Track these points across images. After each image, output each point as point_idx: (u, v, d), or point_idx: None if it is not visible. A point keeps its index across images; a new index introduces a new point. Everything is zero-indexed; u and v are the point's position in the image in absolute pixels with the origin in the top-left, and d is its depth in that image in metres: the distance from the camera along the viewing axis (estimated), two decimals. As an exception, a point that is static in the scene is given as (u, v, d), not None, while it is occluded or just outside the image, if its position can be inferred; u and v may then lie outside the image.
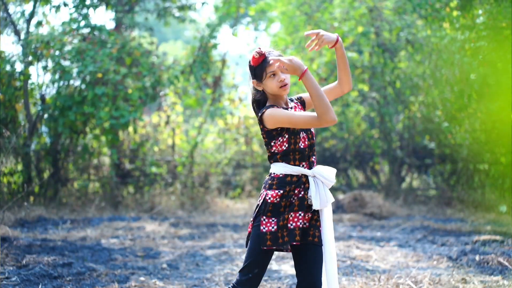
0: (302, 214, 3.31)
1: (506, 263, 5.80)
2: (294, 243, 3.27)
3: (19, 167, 9.93)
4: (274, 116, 3.30)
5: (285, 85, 3.34)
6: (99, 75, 9.89)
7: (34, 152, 10.12)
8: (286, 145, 3.35)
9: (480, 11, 10.64)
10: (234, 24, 12.18)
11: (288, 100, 3.51)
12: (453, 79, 10.69)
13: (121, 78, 9.98)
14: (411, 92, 11.73)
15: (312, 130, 3.42)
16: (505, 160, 10.44)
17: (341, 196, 11.38)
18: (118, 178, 10.55)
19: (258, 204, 3.40)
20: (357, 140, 12.49)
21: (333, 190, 12.68)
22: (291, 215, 3.30)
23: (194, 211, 10.40)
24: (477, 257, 6.20)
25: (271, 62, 3.33)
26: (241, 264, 6.14)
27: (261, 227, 3.31)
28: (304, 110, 3.52)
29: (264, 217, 3.32)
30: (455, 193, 11.00)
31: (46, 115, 10.17)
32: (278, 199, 3.31)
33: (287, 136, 3.33)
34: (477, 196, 10.63)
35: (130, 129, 10.85)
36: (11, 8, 10.70)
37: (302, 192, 3.33)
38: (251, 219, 3.40)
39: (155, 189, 10.87)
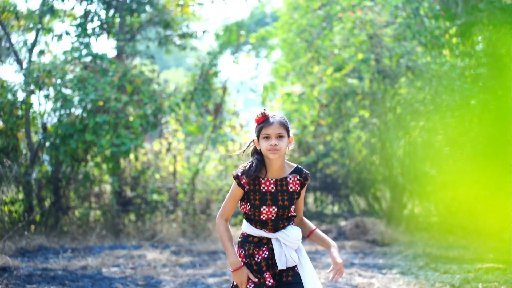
0: (272, 272, 3.55)
1: (510, 292, 5.76)
2: None
3: (20, 195, 9.92)
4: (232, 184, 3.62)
5: (274, 149, 3.47)
6: (100, 103, 9.93)
7: (35, 181, 10.11)
8: (248, 212, 3.58)
9: (479, 38, 10.72)
10: (235, 52, 12.26)
11: (294, 169, 3.65)
12: (453, 105, 10.71)
13: (122, 106, 10.01)
14: (412, 118, 11.75)
15: (290, 208, 3.57)
16: (507, 186, 10.41)
17: (343, 223, 11.34)
18: (119, 206, 10.53)
19: None
20: (358, 166, 12.48)
21: (335, 216, 12.66)
22: (266, 274, 3.53)
23: (196, 238, 10.37)
24: (480, 286, 6.16)
25: (271, 124, 3.50)
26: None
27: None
28: (300, 191, 3.63)
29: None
30: (457, 220, 10.95)
31: (47, 144, 10.19)
32: (245, 260, 3.57)
33: (249, 207, 3.58)
34: (480, 223, 10.58)
35: (131, 156, 10.86)
36: (14, 38, 10.80)
37: (267, 253, 3.56)
38: None
39: (156, 216, 10.84)
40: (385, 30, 12.02)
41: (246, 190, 3.55)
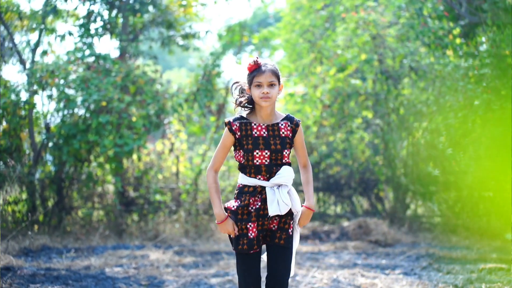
0: (261, 223, 3.62)
1: (513, 292, 5.75)
2: (252, 251, 3.59)
3: (24, 195, 9.93)
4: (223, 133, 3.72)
5: (266, 97, 3.59)
6: (103, 103, 9.94)
7: (39, 181, 10.13)
8: (242, 159, 3.67)
9: (483, 39, 10.71)
10: (237, 52, 12.26)
11: (286, 117, 3.75)
12: (457, 106, 10.70)
13: (125, 106, 10.02)
14: (415, 119, 11.74)
15: (283, 152, 3.65)
16: (510, 187, 10.40)
17: (345, 224, 11.34)
18: (122, 206, 10.54)
19: None
20: (361, 167, 12.48)
21: (337, 217, 12.65)
22: (249, 225, 3.59)
23: (198, 238, 10.37)
24: (483, 286, 6.16)
25: (263, 73, 3.60)
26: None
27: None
28: (293, 137, 3.72)
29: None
30: (460, 220, 10.94)
31: (50, 144, 10.20)
32: (234, 207, 3.66)
33: (242, 153, 3.65)
34: (483, 223, 10.58)
35: (134, 157, 10.87)
36: (17, 38, 10.83)
37: (259, 203, 3.63)
38: None
39: (159, 217, 10.84)
40: (388, 30, 12.02)
41: (237, 136, 3.64)
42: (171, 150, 11.56)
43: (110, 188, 11.06)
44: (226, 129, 3.67)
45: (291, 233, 3.67)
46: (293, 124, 3.71)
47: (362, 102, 12.23)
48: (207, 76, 11.23)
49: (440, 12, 11.97)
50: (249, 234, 3.57)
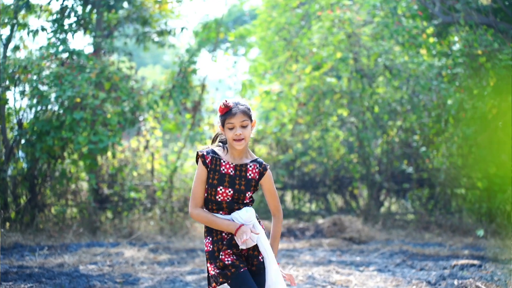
0: (233, 251, 3.61)
1: (485, 288, 5.83)
2: (241, 270, 3.55)
3: (-5, 192, 9.80)
4: (197, 166, 3.70)
5: (239, 139, 3.60)
6: (78, 100, 9.84)
7: (11, 178, 9.99)
8: (206, 194, 3.68)
9: (456, 38, 10.84)
10: (213, 49, 12.24)
11: (255, 159, 3.75)
12: (430, 105, 10.84)
13: (99, 103, 9.94)
14: (389, 117, 11.85)
15: (246, 194, 3.66)
16: (481, 184, 10.56)
17: (320, 221, 11.39)
18: (96, 204, 10.45)
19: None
20: (336, 164, 12.55)
21: (312, 214, 12.71)
22: (222, 256, 3.59)
23: (174, 236, 10.33)
24: (455, 282, 6.23)
25: (235, 115, 3.60)
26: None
27: (211, 273, 3.67)
28: (259, 180, 3.72)
29: (208, 265, 3.69)
30: (433, 217, 11.06)
31: (23, 140, 10.07)
32: (210, 247, 3.65)
33: (207, 187, 3.67)
34: (455, 220, 10.71)
35: (109, 154, 10.78)
36: (-12, 33, 10.66)
37: (230, 235, 3.63)
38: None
39: (134, 214, 10.78)
40: (363, 29, 12.10)
41: (208, 169, 3.64)
42: (146, 147, 11.50)
43: (84, 185, 10.97)
44: (200, 162, 3.66)
45: (261, 260, 3.69)
46: (261, 167, 3.72)
47: (337, 100, 12.29)
48: (182, 73, 11.19)
49: (414, 11, 12.08)
50: (226, 262, 3.57)
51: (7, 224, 9.69)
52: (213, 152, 3.69)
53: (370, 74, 11.94)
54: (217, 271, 3.58)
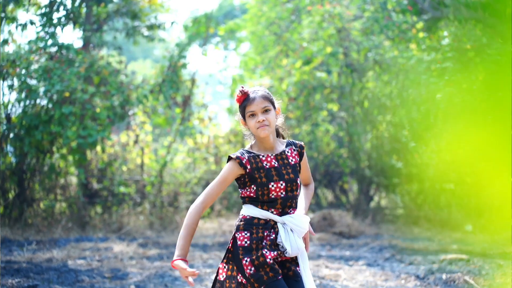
0: (276, 253, 3.25)
1: (472, 282, 5.86)
2: (280, 277, 3.19)
3: (-17, 187, 9.75)
4: (225, 168, 3.32)
5: (263, 125, 3.27)
6: (67, 94, 9.80)
7: (-1, 172, 9.96)
8: (254, 195, 3.31)
9: (445, 33, 10.86)
10: (203, 44, 12.20)
11: (287, 143, 3.46)
12: (419, 99, 10.85)
13: (89, 97, 9.90)
14: (379, 112, 11.86)
15: (297, 180, 3.35)
16: (470, 180, 10.60)
17: (310, 215, 11.40)
18: (85, 198, 10.42)
19: (228, 248, 3.33)
20: (326, 159, 12.56)
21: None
22: (265, 251, 3.22)
23: (163, 231, 10.32)
24: (444, 276, 6.26)
25: (254, 100, 3.29)
26: (210, 285, 6.10)
27: (246, 271, 3.22)
28: (300, 161, 3.44)
29: (223, 264, 3.31)
30: (422, 212, 11.11)
31: (11, 135, 10.01)
32: (247, 242, 3.26)
33: (254, 188, 3.29)
34: (444, 215, 10.76)
35: (98, 148, 10.75)
36: (-23, 26, 10.58)
37: (273, 236, 3.27)
38: (222, 264, 3.33)
39: (123, 209, 10.76)
40: (353, 24, 12.09)
41: (248, 170, 3.27)
42: (135, 142, 11.47)
43: (73, 180, 10.93)
44: (232, 164, 3.28)
45: (298, 270, 3.31)
46: (298, 147, 3.45)
47: (327, 95, 12.30)
48: (172, 67, 11.16)
49: (404, 6, 12.10)
50: (268, 260, 3.20)
51: (-4, 219, 9.65)
52: (247, 151, 3.34)
53: (360, 68, 11.95)
54: (251, 271, 3.19)
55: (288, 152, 3.40)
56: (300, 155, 3.45)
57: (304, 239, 3.45)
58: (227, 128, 13.03)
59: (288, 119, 12.52)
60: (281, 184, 3.27)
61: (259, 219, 3.30)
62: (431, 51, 10.71)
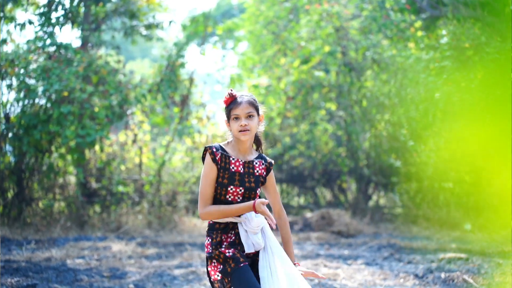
0: (234, 249, 3.44)
1: (471, 281, 5.86)
2: (242, 264, 3.36)
3: (-18, 187, 9.74)
4: (204, 163, 3.50)
5: (245, 130, 3.44)
6: (65, 93, 9.79)
7: (-2, 172, 9.94)
8: (215, 194, 3.48)
9: (444, 32, 10.85)
10: (201, 43, 12.19)
11: (259, 155, 3.63)
12: (418, 98, 10.85)
13: (87, 97, 9.89)
14: (377, 111, 11.87)
15: (256, 190, 3.52)
16: (469, 178, 10.61)
17: (308, 215, 11.41)
18: (84, 198, 10.42)
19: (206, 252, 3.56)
20: (325, 158, 12.57)
21: (301, 208, 12.73)
22: (223, 249, 3.43)
23: (162, 230, 10.32)
24: (442, 275, 6.27)
25: (240, 104, 3.45)
26: (209, 284, 6.11)
27: (212, 277, 3.47)
28: (265, 177, 3.61)
29: (209, 269, 3.50)
30: (421, 211, 11.11)
31: (10, 134, 10.00)
32: (210, 249, 3.47)
33: (216, 185, 3.48)
34: (442, 214, 10.76)
35: (97, 147, 10.74)
36: (-25, 26, 10.57)
37: (233, 237, 3.48)
38: (209, 266, 3.52)
39: (121, 208, 10.75)
40: (351, 23, 12.10)
41: (217, 167, 3.46)
42: (134, 141, 11.46)
43: (72, 179, 10.92)
44: (208, 159, 3.46)
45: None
46: (267, 163, 3.62)
47: (325, 94, 12.30)
48: (170, 66, 11.15)
49: (402, 5, 12.11)
50: (228, 253, 3.40)
51: (-6, 218, 9.64)
52: (222, 148, 3.52)
53: (358, 67, 11.95)
54: (219, 270, 3.41)
55: (256, 163, 3.58)
56: (267, 170, 3.62)
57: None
58: (225, 127, 13.02)
59: (287, 118, 12.53)
60: (240, 190, 3.47)
61: (220, 223, 3.50)
62: (429, 50, 10.71)
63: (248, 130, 3.45)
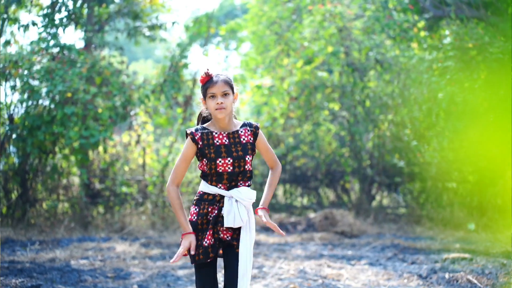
0: (216, 230, 3.62)
1: (475, 281, 5.86)
2: (208, 260, 3.57)
3: (-14, 188, 9.76)
4: (184, 144, 3.70)
5: (221, 108, 3.58)
6: (69, 94, 9.81)
7: (2, 173, 9.95)
8: (205, 168, 3.64)
9: (447, 32, 10.86)
10: (204, 44, 12.20)
11: (243, 123, 3.76)
12: (421, 98, 10.85)
13: (91, 98, 9.91)
14: (381, 111, 11.86)
15: (245, 158, 3.64)
16: (472, 178, 10.60)
17: (312, 215, 11.41)
18: (87, 198, 10.43)
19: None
20: (328, 158, 12.56)
21: (304, 209, 12.73)
22: (205, 234, 3.60)
23: (165, 231, 10.33)
24: (446, 275, 6.26)
25: (216, 83, 3.60)
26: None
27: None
28: (254, 142, 3.74)
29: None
30: (425, 211, 11.10)
31: (14, 135, 10.03)
32: (195, 217, 3.64)
33: (205, 161, 3.62)
34: (446, 214, 10.75)
35: (100, 148, 10.76)
36: (-21, 28, 10.59)
37: (216, 211, 3.62)
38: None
39: (125, 209, 10.77)
40: (354, 23, 12.10)
41: (199, 146, 3.61)
42: (137, 142, 11.48)
43: (76, 180, 10.94)
44: (188, 140, 3.63)
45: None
46: (253, 128, 3.74)
47: (328, 94, 12.30)
48: (174, 67, 11.17)
49: (405, 5, 12.10)
50: (204, 243, 3.57)
51: (-2, 219, 9.66)
52: (202, 128, 3.67)
53: (361, 68, 11.95)
54: (189, 254, 3.58)
55: (241, 132, 3.71)
56: (254, 135, 3.74)
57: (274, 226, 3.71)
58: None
59: (290, 118, 12.53)
60: (228, 161, 3.59)
61: (208, 194, 3.65)
62: (432, 50, 10.70)
63: (224, 108, 3.59)
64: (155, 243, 9.08)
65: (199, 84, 3.78)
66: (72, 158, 10.39)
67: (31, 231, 9.49)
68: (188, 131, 3.64)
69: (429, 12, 11.93)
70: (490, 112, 9.54)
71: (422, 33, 11.46)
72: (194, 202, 3.68)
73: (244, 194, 3.59)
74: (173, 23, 12.10)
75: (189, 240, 3.55)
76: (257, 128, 3.75)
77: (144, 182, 11.19)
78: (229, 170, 3.59)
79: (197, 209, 3.64)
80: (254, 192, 3.65)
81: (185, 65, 11.24)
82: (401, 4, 12.11)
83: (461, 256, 7.40)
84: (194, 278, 6.53)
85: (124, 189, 10.83)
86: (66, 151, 10.35)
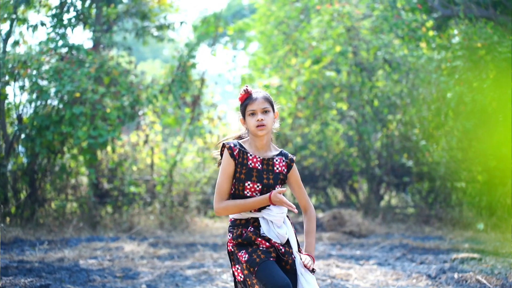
0: (266, 241, 3.42)
1: (484, 281, 5.83)
2: (271, 259, 3.34)
3: (-5, 188, 9.80)
4: (222, 159, 3.50)
5: (262, 125, 3.43)
6: (77, 94, 9.83)
7: (11, 173, 9.99)
8: (233, 189, 3.48)
9: (455, 32, 10.82)
10: (212, 44, 12.22)
11: (280, 152, 3.60)
12: (430, 98, 10.82)
13: (99, 98, 9.93)
14: (389, 111, 11.84)
15: (275, 187, 3.48)
16: (481, 178, 10.55)
17: (320, 215, 11.39)
18: (96, 198, 10.46)
19: (228, 251, 3.55)
20: (336, 158, 12.54)
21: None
22: (258, 240, 3.41)
23: (173, 230, 10.34)
24: (455, 275, 6.24)
25: (256, 100, 3.45)
26: (221, 284, 6.12)
27: (237, 277, 3.46)
28: (287, 173, 3.57)
29: (234, 267, 3.47)
30: (433, 211, 11.07)
31: (23, 135, 10.06)
32: (233, 242, 3.46)
33: (234, 181, 3.47)
34: (455, 214, 10.71)
35: (109, 148, 10.78)
36: (-12, 28, 10.64)
37: (252, 229, 3.45)
38: (233, 267, 3.50)
39: (133, 208, 10.79)
40: (362, 22, 12.07)
41: (236, 162, 3.45)
42: (145, 142, 11.50)
43: (84, 180, 10.97)
44: (225, 154, 3.46)
45: (294, 259, 3.45)
46: (288, 159, 3.58)
47: (336, 94, 12.28)
48: (182, 67, 11.18)
49: (414, 4, 12.06)
50: (261, 247, 3.38)
51: (7, 219, 9.70)
52: (240, 144, 3.50)
53: (369, 67, 11.93)
54: (245, 258, 3.35)
55: (276, 160, 3.55)
56: (289, 167, 3.58)
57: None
58: (236, 128, 13.03)
59: (298, 118, 12.51)
60: (258, 186, 3.45)
61: (241, 219, 3.50)
62: (441, 50, 10.67)
63: (265, 125, 3.44)
64: (163, 243, 9.09)
65: (238, 100, 3.56)
66: (81, 158, 10.42)
67: (39, 230, 9.52)
68: (227, 145, 3.48)
69: (438, 12, 11.89)
70: (499, 111, 9.50)
71: (431, 33, 11.42)
72: (228, 230, 3.52)
73: (274, 212, 3.43)
74: (181, 23, 12.12)
75: (276, 197, 3.37)
76: (292, 160, 3.59)
77: (152, 182, 11.21)
78: (256, 196, 3.45)
79: (231, 235, 3.48)
80: (283, 208, 3.47)
81: (193, 65, 11.25)
82: (410, 4, 12.08)
83: (470, 256, 7.37)
84: (202, 278, 6.53)
85: (133, 189, 10.85)
86: (75, 151, 10.38)
